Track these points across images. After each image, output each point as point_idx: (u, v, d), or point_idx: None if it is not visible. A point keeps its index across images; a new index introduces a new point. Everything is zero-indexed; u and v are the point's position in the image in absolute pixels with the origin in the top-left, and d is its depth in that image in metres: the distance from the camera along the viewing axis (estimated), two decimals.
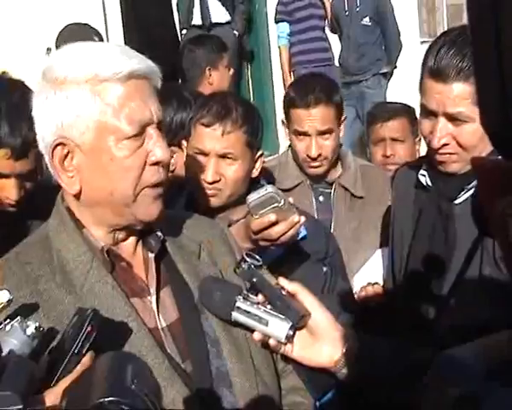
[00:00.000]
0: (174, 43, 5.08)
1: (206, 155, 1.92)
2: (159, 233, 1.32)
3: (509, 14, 0.57)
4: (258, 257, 1.34)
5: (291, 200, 1.69)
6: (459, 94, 1.57)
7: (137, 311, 1.24)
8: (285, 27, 5.67)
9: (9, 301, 1.07)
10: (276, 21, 5.75)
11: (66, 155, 1.20)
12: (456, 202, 1.75)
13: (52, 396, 0.98)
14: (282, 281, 1.32)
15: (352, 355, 1.29)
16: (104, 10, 5.11)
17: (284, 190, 2.04)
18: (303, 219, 1.69)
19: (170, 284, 1.32)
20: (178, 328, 1.28)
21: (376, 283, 2.29)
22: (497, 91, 0.59)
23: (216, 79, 3.77)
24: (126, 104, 1.18)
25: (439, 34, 1.83)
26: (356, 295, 2.27)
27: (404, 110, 3.02)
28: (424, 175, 1.82)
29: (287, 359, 1.36)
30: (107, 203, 1.22)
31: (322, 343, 1.30)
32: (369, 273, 2.36)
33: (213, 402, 1.24)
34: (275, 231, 1.65)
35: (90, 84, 1.17)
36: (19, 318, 1.03)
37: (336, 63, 5.73)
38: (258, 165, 2.01)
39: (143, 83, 1.21)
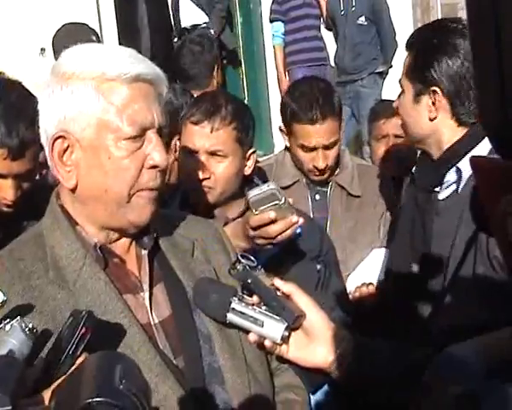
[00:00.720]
0: (168, 46, 5.07)
1: (196, 152, 1.93)
2: (152, 231, 1.33)
3: (509, 13, 0.57)
4: (252, 258, 1.34)
5: (291, 200, 1.69)
6: None
7: (130, 307, 1.24)
8: (280, 26, 5.67)
9: (3, 302, 1.07)
10: (271, 20, 5.74)
11: (65, 149, 1.22)
12: (440, 197, 1.77)
13: (46, 397, 0.97)
14: (277, 282, 1.32)
15: (347, 356, 1.29)
16: (98, 12, 5.09)
17: (281, 188, 2.04)
18: (301, 220, 1.69)
19: (163, 281, 1.32)
20: (171, 324, 1.29)
21: (371, 283, 2.29)
22: (496, 91, 0.59)
23: (219, 77, 3.82)
24: (129, 105, 1.20)
25: None
26: (350, 296, 2.28)
27: None
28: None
29: (282, 359, 1.36)
30: (101, 201, 1.23)
31: (317, 344, 1.30)
32: (363, 273, 2.36)
33: (206, 399, 1.24)
34: (273, 230, 1.65)
35: (95, 82, 1.19)
36: (18, 318, 1.03)
37: (332, 63, 5.74)
38: (251, 162, 2.01)
39: (149, 87, 1.23)
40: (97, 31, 4.58)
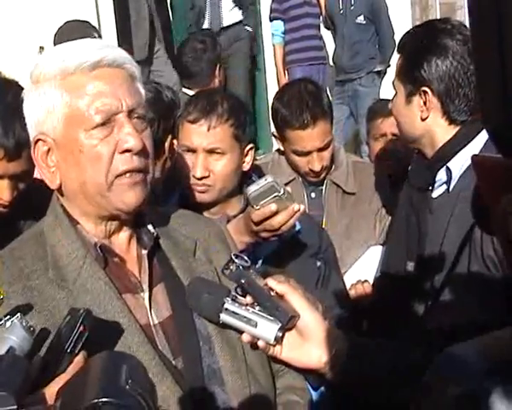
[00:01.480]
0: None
1: (193, 151, 1.93)
2: (152, 230, 1.33)
3: (511, 13, 0.56)
4: (246, 258, 1.34)
5: (289, 189, 1.69)
6: None
7: (129, 307, 1.24)
8: (279, 25, 5.66)
9: (1, 301, 1.07)
10: (271, 19, 5.73)
11: (47, 152, 1.24)
12: (433, 196, 1.79)
13: (45, 395, 0.97)
14: (271, 282, 1.31)
15: (342, 356, 1.29)
16: (97, 10, 5.07)
17: None
18: (303, 207, 1.70)
19: (163, 281, 1.32)
20: (171, 325, 1.28)
21: (366, 281, 2.29)
22: (498, 91, 0.59)
23: (221, 76, 3.82)
24: (93, 94, 1.20)
25: None
26: None
27: None
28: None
29: (275, 360, 1.35)
30: (85, 195, 1.24)
31: (311, 344, 1.29)
32: (359, 271, 2.37)
33: (205, 400, 1.24)
34: (276, 221, 1.66)
35: (58, 80, 1.22)
36: (19, 315, 1.03)
37: (330, 62, 5.73)
38: (249, 158, 2.01)
39: (113, 71, 1.23)
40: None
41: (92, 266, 1.24)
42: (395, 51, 1.96)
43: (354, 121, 5.45)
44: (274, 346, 1.29)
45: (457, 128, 1.76)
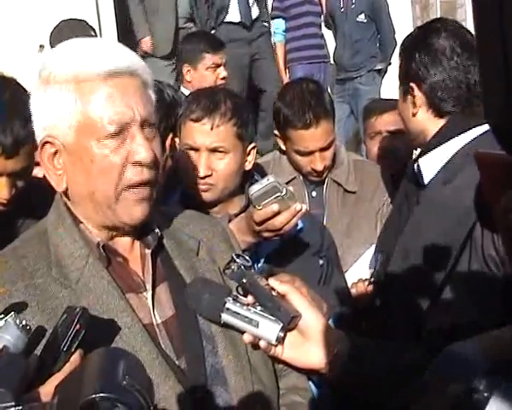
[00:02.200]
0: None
1: (196, 150, 1.93)
2: (156, 230, 1.32)
3: None
4: (247, 258, 1.34)
5: (291, 189, 1.69)
6: None
7: (132, 306, 1.24)
8: (281, 24, 5.65)
9: None
10: (272, 17, 5.73)
11: (54, 154, 1.22)
12: (421, 186, 1.81)
13: (42, 394, 0.97)
14: (272, 282, 1.31)
15: (343, 356, 1.29)
16: (97, 8, 5.07)
17: None
18: (304, 206, 1.70)
19: (166, 281, 1.32)
20: (174, 324, 1.28)
21: (367, 279, 2.29)
22: (502, 92, 0.58)
23: (194, 79, 3.68)
24: (107, 103, 1.18)
25: None
26: None
27: None
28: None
29: (277, 360, 1.34)
30: (91, 203, 1.23)
31: (313, 345, 1.29)
32: (360, 270, 2.36)
33: (208, 399, 1.23)
34: (278, 221, 1.66)
35: (72, 85, 1.18)
36: (13, 313, 1.03)
37: (331, 60, 5.73)
38: (251, 157, 2.01)
39: (127, 80, 1.21)
40: (96, 27, 4.58)
41: (95, 266, 1.23)
42: (396, 50, 1.99)
43: (355, 120, 5.45)
44: (275, 346, 1.28)
45: (445, 121, 1.79)
